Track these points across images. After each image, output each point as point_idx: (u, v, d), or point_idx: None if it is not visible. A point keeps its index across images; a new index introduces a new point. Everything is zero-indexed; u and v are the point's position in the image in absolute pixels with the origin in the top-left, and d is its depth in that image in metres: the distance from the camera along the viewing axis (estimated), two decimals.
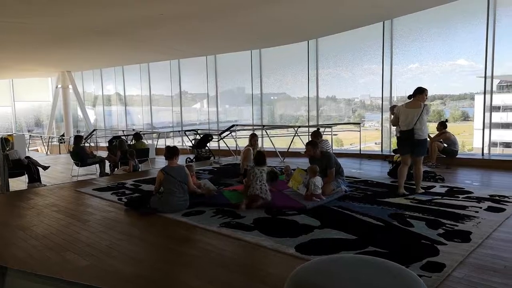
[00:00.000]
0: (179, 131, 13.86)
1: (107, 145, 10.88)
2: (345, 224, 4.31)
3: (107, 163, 9.31)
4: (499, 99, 23.57)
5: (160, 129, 17.48)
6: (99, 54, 14.53)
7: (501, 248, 3.53)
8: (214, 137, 10.82)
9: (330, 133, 9.81)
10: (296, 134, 10.18)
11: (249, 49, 13.25)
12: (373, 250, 3.55)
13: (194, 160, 10.11)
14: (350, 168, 8.25)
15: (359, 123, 10.84)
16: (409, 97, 5.77)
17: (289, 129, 11.39)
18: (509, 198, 5.20)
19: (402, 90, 12.77)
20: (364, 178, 7.00)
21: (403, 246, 3.64)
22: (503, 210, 4.69)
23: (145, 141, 11.49)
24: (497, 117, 24.01)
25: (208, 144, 10.62)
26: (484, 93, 8.55)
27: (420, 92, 5.67)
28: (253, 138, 7.52)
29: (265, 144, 11.64)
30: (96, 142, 16.61)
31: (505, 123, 24.42)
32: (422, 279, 2.86)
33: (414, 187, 5.83)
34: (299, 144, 10.41)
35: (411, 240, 3.80)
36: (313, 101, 12.54)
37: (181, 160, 10.44)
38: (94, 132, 16.50)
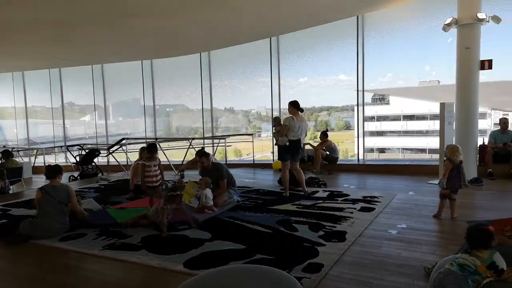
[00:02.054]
0: (61, 146, 12.57)
1: None
2: (236, 235, 4.36)
3: None
4: (373, 110, 26.85)
5: (41, 145, 15.65)
6: None
7: (370, 245, 3.95)
8: (102, 152, 10.08)
9: (224, 144, 9.92)
10: (191, 146, 10.07)
11: (139, 59, 12.76)
12: (261, 257, 3.65)
13: (78, 177, 9.27)
14: (243, 178, 8.44)
15: (251, 134, 11.19)
16: (301, 110, 6.30)
17: (185, 141, 11.19)
18: (378, 199, 5.87)
19: None
20: (257, 187, 7.22)
21: (288, 251, 3.82)
22: (373, 209, 5.27)
23: (17, 159, 10.16)
24: (373, 126, 27.32)
25: (95, 160, 9.85)
26: (357, 105, 9.58)
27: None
28: (143, 151, 7.20)
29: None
30: None
31: (380, 131, 27.86)
32: (302, 281, 3.05)
33: (302, 193, 6.25)
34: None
35: (295, 244, 4.02)
36: (210, 113, 12.70)
37: (64, 178, 9.53)
38: None
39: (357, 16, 9.14)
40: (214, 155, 10.10)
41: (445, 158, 4.81)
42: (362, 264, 3.46)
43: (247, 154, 13.37)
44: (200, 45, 11.26)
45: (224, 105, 14.16)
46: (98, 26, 8.49)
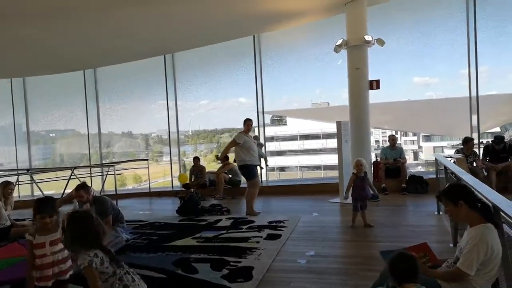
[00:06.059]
0: None
1: None
2: None
3: None
4: (272, 131, 27.65)
5: None
6: None
7: (278, 281, 3.50)
8: None
9: (113, 173, 8.74)
10: (74, 176, 8.69)
11: (7, 77, 10.92)
12: None
13: None
14: (137, 210, 7.49)
15: (147, 159, 10.24)
16: None
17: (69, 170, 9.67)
18: (283, 223, 5.53)
19: (196, 124, 13.22)
20: (152, 220, 6.35)
21: None
22: (279, 236, 4.89)
23: None
24: (273, 146, 28.08)
25: None
26: (258, 126, 9.41)
27: (244, 124, 6.33)
28: (6, 187, 5.84)
29: (33, 191, 9.63)
30: None
31: (280, 150, 28.75)
32: None
33: None
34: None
35: None
36: (106, 137, 11.59)
37: None
38: None
39: (253, 36, 9.04)
40: (103, 185, 8.92)
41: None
42: None
43: (144, 181, 12.32)
44: (85, 61, 10.05)
45: (121, 129, 12.97)
46: None
